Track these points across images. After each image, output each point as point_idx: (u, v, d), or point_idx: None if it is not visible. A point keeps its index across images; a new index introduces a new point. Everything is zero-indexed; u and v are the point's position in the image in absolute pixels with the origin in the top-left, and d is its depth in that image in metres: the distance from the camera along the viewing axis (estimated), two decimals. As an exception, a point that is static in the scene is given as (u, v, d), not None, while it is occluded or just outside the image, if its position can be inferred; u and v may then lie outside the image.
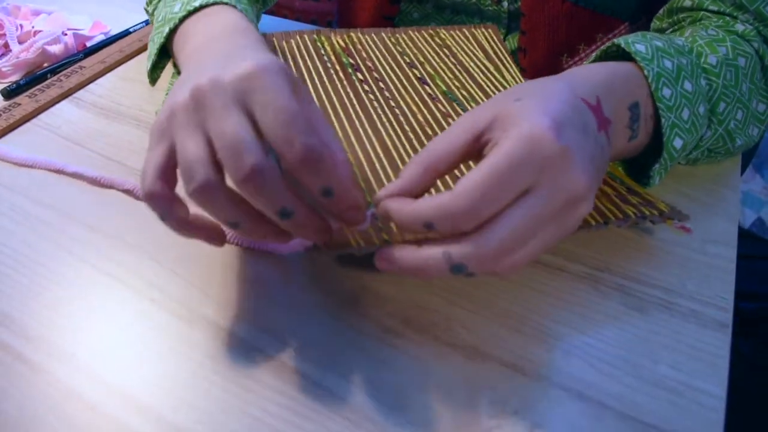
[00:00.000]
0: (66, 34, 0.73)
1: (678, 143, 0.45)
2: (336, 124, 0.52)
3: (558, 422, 0.37)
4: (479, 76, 0.59)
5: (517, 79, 0.60)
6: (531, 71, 0.70)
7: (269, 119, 0.33)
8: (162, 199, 0.36)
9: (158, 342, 0.41)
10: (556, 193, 0.34)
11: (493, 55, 0.63)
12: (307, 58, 0.61)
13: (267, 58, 0.35)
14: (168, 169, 0.36)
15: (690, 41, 0.49)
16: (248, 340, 0.41)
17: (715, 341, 0.41)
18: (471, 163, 0.38)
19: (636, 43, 0.45)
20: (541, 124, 0.34)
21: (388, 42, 0.64)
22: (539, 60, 0.69)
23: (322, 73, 0.59)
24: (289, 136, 0.33)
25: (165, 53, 0.58)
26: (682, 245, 0.48)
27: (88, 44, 0.74)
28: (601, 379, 0.39)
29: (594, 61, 0.50)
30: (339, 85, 0.57)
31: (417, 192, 0.37)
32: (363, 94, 0.56)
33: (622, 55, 0.47)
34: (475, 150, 0.37)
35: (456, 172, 0.47)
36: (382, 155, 0.49)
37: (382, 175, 0.47)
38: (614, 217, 0.44)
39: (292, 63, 0.60)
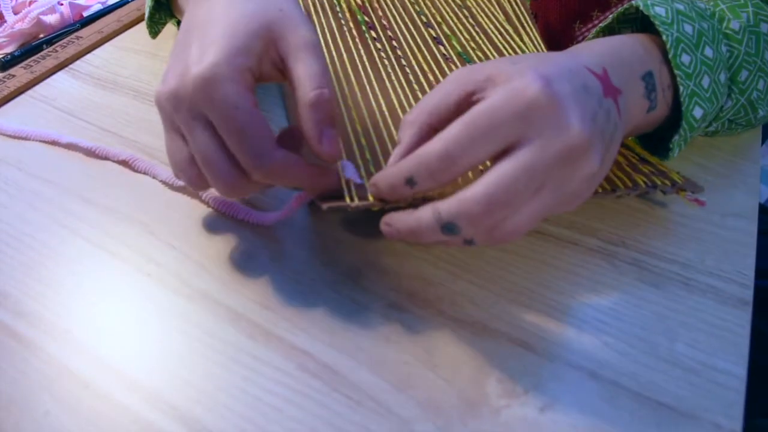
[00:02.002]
0: (62, 4, 0.71)
1: (698, 113, 0.43)
2: (344, 81, 0.51)
3: (570, 402, 0.35)
4: (497, 37, 0.57)
5: (536, 43, 0.57)
6: (542, 38, 0.68)
7: (226, 139, 0.36)
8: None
9: (154, 318, 0.40)
10: (547, 144, 0.32)
11: (514, 17, 0.61)
12: (321, 14, 0.60)
13: (223, 58, 0.35)
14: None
15: (712, 4, 0.47)
16: (247, 316, 0.39)
17: (734, 318, 0.40)
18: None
19: (656, 5, 0.43)
20: (530, 77, 0.33)
21: (406, 1, 0.63)
22: (551, 26, 0.66)
23: (335, 30, 0.58)
24: (244, 159, 0.36)
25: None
26: (701, 219, 0.46)
27: (85, 14, 0.72)
28: (615, 358, 0.37)
29: (610, 23, 0.48)
30: (351, 44, 0.56)
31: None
32: (374, 52, 0.55)
33: (641, 18, 0.45)
34: (467, 105, 0.36)
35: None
36: (387, 114, 0.48)
37: (385, 134, 0.46)
38: (623, 185, 0.42)
39: None
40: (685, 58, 0.41)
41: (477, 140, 0.33)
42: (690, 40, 0.42)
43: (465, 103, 0.36)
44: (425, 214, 0.34)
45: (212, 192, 0.47)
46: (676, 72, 0.41)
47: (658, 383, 0.36)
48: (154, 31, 0.59)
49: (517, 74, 0.34)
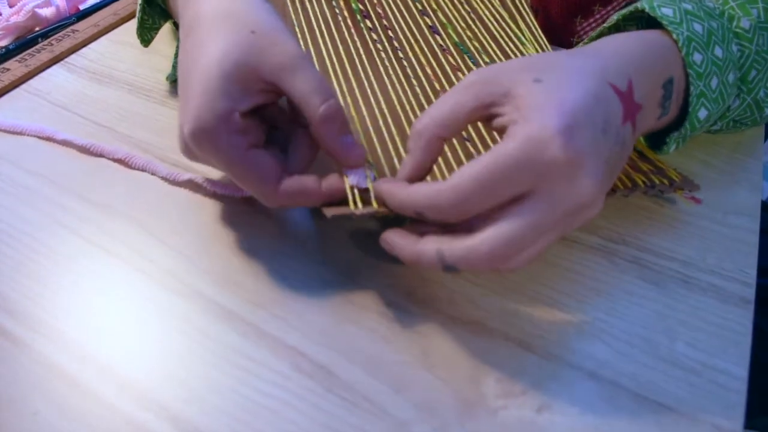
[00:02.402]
0: (58, -3, 0.70)
1: (702, 114, 0.42)
2: (341, 75, 0.50)
3: (568, 403, 0.35)
4: (493, 25, 0.57)
5: (533, 30, 0.56)
6: (543, 33, 0.67)
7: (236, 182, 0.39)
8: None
9: (148, 316, 0.39)
10: (558, 203, 0.32)
11: (510, 4, 0.60)
12: (314, 2, 0.59)
13: (203, 112, 0.36)
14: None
15: (721, 3, 0.46)
16: (241, 315, 0.39)
17: (736, 318, 0.39)
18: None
19: (662, 6, 0.41)
20: (552, 127, 0.32)
21: None
22: (551, 21, 0.66)
23: (330, 19, 0.56)
24: (257, 198, 0.39)
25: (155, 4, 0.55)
26: (702, 216, 0.45)
27: (81, 7, 0.71)
28: (614, 358, 0.37)
29: (613, 25, 0.46)
30: (346, 34, 0.55)
31: (428, 166, 0.37)
32: (370, 43, 0.54)
33: (647, 18, 0.44)
34: (481, 117, 0.35)
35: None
36: (386, 110, 0.47)
37: (385, 132, 0.45)
38: (623, 186, 0.42)
39: (299, 7, 0.57)
40: (697, 57, 0.40)
41: (490, 192, 0.32)
42: (701, 39, 0.41)
43: (478, 115, 0.35)
44: (428, 251, 0.34)
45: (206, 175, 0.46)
46: (689, 71, 0.40)
47: (658, 383, 0.36)
48: (146, 38, 0.57)
49: (539, 106, 0.33)
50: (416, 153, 0.37)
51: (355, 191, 0.38)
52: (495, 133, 0.43)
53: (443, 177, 0.42)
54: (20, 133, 0.53)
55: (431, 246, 0.34)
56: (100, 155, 0.50)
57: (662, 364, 0.36)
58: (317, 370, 0.36)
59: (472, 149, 0.44)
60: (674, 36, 0.40)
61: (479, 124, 0.45)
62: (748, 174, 0.49)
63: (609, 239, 0.44)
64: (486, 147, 0.44)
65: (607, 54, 0.38)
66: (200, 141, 0.37)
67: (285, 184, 0.38)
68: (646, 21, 0.44)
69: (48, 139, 0.52)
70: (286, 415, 0.34)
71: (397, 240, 0.36)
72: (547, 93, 0.33)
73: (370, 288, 0.40)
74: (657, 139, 0.45)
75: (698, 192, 0.44)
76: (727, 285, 0.41)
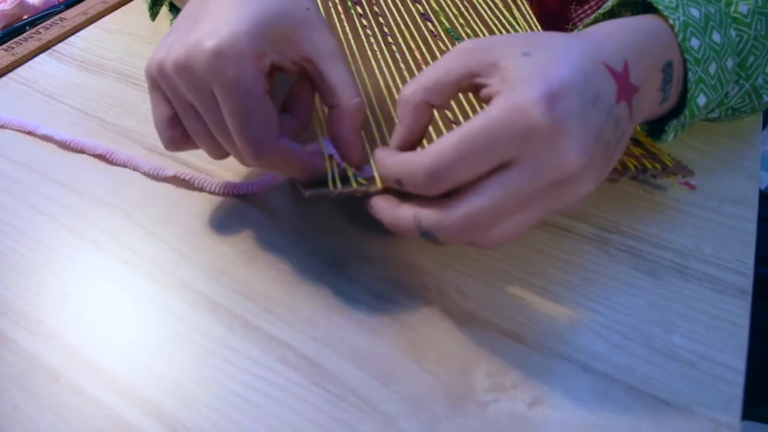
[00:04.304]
0: (46, -16, 0.69)
1: (702, 100, 0.41)
2: None
3: (561, 397, 0.34)
4: (486, 12, 0.56)
5: (528, 18, 0.55)
6: (537, 21, 0.66)
7: (228, 121, 0.35)
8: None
9: (131, 307, 0.38)
10: (539, 171, 0.31)
11: None
12: None
13: (244, 33, 0.34)
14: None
15: None
16: (226, 306, 0.38)
17: (733, 309, 0.38)
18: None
19: None
20: (535, 93, 0.30)
21: None
22: (546, 9, 0.65)
23: (319, 4, 0.55)
24: (243, 145, 0.35)
25: None
26: (698, 204, 0.45)
27: (70, -6, 0.70)
28: (608, 350, 0.36)
29: (608, 11, 0.45)
30: (336, 20, 0.54)
31: (419, 133, 0.36)
32: (360, 30, 0.53)
33: (642, 2, 0.43)
34: (469, 86, 0.34)
35: None
36: (373, 95, 0.46)
37: (370, 116, 0.43)
38: (613, 169, 0.41)
39: None
40: (695, 43, 0.39)
41: (468, 161, 0.31)
42: (697, 24, 0.40)
43: (466, 83, 0.34)
44: (406, 216, 0.33)
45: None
46: (686, 56, 0.39)
47: (654, 376, 0.35)
48: (154, 12, 0.57)
49: (524, 77, 0.32)
50: (405, 119, 0.36)
51: (335, 170, 0.37)
52: None
53: None
54: (2, 127, 0.52)
55: (409, 212, 0.33)
56: (81, 151, 0.49)
57: (658, 357, 0.36)
58: (304, 363, 0.35)
59: None
60: (670, 21, 0.39)
61: (467, 106, 0.44)
62: (745, 162, 0.48)
63: (602, 228, 0.43)
64: None
65: (601, 37, 0.36)
66: (225, 60, 0.33)
67: (283, 141, 0.36)
68: (641, 6, 0.43)
69: (29, 133, 0.51)
70: (272, 409, 0.33)
71: (379, 203, 0.35)
72: (534, 66, 0.32)
73: (359, 279, 0.39)
74: (655, 128, 0.44)
75: (693, 178, 0.43)
76: (724, 275, 0.40)
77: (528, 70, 0.32)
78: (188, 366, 0.35)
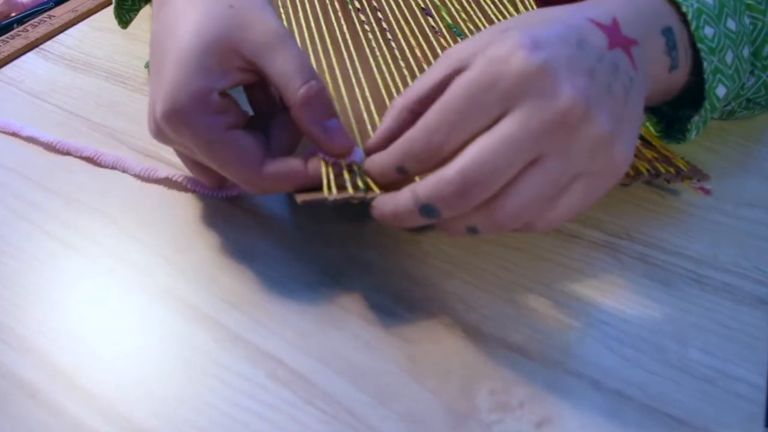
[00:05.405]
0: (35, -19, 0.67)
1: (721, 91, 0.39)
2: (321, 55, 0.47)
3: (570, 417, 0.32)
4: (489, 7, 0.54)
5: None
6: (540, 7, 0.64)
7: (213, 167, 0.36)
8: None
9: (114, 319, 0.37)
10: (531, 113, 0.29)
11: None
12: None
13: (179, 89, 0.33)
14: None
15: None
16: (215, 317, 0.36)
17: (752, 320, 0.36)
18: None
19: None
20: (511, 43, 0.29)
21: None
22: (551, 2, 0.62)
23: (316, 2, 0.53)
24: (236, 182, 0.36)
25: None
26: (711, 209, 0.43)
27: (59, -9, 0.68)
28: (620, 365, 0.34)
29: None
30: (333, 17, 0.52)
31: (395, 135, 0.34)
32: (357, 24, 0.51)
33: None
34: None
35: None
36: (368, 94, 0.44)
37: (366, 118, 0.41)
38: (625, 174, 0.39)
39: None
40: (708, 31, 0.37)
41: (457, 123, 0.30)
42: (711, 11, 0.38)
43: (449, 81, 0.32)
44: (404, 196, 0.31)
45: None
46: (699, 46, 0.37)
47: (668, 393, 0.33)
48: (124, 19, 0.55)
49: (499, 41, 0.30)
50: (384, 124, 0.35)
51: (331, 176, 0.35)
52: None
53: None
54: (-16, 128, 0.50)
55: (406, 192, 0.31)
56: (67, 153, 0.47)
57: (672, 372, 0.34)
58: (295, 379, 0.33)
59: None
60: (683, 8, 0.37)
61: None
62: (761, 162, 0.47)
63: (613, 234, 0.41)
64: None
65: (587, 4, 0.35)
66: (174, 122, 0.34)
67: (269, 166, 0.35)
68: None
69: (14, 134, 0.49)
70: (260, 428, 0.31)
71: (380, 199, 0.33)
72: (513, 33, 0.31)
73: (355, 289, 0.37)
74: (675, 128, 0.42)
75: (707, 182, 0.41)
76: (742, 284, 0.38)
77: (508, 37, 0.31)
78: (173, 382, 0.33)
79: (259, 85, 0.38)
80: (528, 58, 0.29)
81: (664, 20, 0.37)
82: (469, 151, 0.29)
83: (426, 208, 0.30)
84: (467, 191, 0.29)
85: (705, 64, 0.37)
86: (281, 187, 0.36)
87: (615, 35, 0.32)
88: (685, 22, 0.37)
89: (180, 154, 0.39)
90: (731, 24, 0.38)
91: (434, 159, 0.31)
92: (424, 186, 0.30)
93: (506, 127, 0.29)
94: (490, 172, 0.29)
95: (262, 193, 0.37)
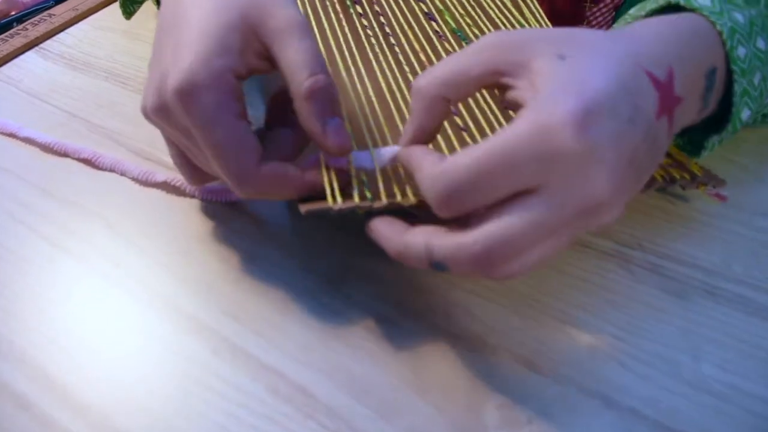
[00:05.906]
0: (35, -21, 0.66)
1: (746, 115, 0.37)
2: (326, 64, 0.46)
3: (580, 435, 0.31)
4: (494, 11, 0.52)
5: (539, 17, 0.52)
6: (549, 21, 0.63)
7: (207, 156, 0.34)
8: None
9: (109, 327, 0.36)
10: (567, 201, 0.28)
11: None
12: None
13: (198, 63, 0.32)
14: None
15: None
16: (212, 327, 0.35)
17: (767, 333, 0.35)
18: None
19: None
20: (566, 112, 0.27)
21: None
22: (557, 8, 0.61)
23: (317, 4, 0.52)
24: (226, 176, 0.34)
25: None
26: (726, 218, 0.41)
27: (60, -10, 0.68)
28: (632, 381, 0.33)
29: (634, 15, 0.42)
30: (334, 20, 0.51)
31: (432, 130, 0.33)
32: (360, 30, 0.50)
33: (674, 9, 0.39)
34: (493, 84, 0.31)
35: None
36: (375, 100, 0.42)
37: (373, 123, 0.40)
38: None
39: None
40: (741, 51, 0.36)
41: (489, 184, 0.28)
42: (743, 30, 0.36)
43: (490, 81, 0.31)
44: (416, 244, 0.30)
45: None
46: (733, 67, 0.35)
47: (682, 410, 0.32)
48: (128, 11, 0.54)
49: (556, 88, 0.28)
50: (418, 115, 0.33)
51: (335, 184, 0.34)
52: (496, 124, 0.39)
53: None
54: (-18, 127, 0.49)
55: (420, 239, 0.30)
56: (64, 155, 0.46)
57: (686, 389, 0.32)
58: (295, 393, 0.32)
59: (468, 140, 0.39)
60: (718, 27, 0.35)
61: (478, 113, 0.40)
62: (776, 172, 0.45)
63: (624, 243, 0.40)
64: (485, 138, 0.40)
65: (643, 39, 0.33)
66: (187, 97, 0.32)
67: (267, 167, 0.34)
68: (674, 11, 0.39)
69: (11, 135, 0.48)
70: (259, 445, 0.30)
71: (383, 229, 0.32)
72: (568, 73, 0.29)
73: (357, 298, 0.36)
74: (691, 142, 0.40)
75: (723, 189, 0.40)
76: (757, 296, 0.37)
77: (561, 78, 0.29)
78: (169, 395, 0.32)
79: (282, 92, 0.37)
80: (577, 138, 0.27)
81: (711, 60, 0.35)
82: (495, 225, 0.28)
83: (438, 265, 0.29)
84: (486, 263, 0.28)
85: (735, 86, 0.36)
86: (274, 189, 0.34)
87: (666, 96, 0.31)
88: (724, 54, 0.36)
89: (169, 142, 0.37)
90: (761, 43, 0.36)
91: (448, 212, 0.29)
92: (441, 247, 0.29)
93: (539, 209, 0.28)
94: (514, 250, 0.28)
95: (252, 195, 0.35)
